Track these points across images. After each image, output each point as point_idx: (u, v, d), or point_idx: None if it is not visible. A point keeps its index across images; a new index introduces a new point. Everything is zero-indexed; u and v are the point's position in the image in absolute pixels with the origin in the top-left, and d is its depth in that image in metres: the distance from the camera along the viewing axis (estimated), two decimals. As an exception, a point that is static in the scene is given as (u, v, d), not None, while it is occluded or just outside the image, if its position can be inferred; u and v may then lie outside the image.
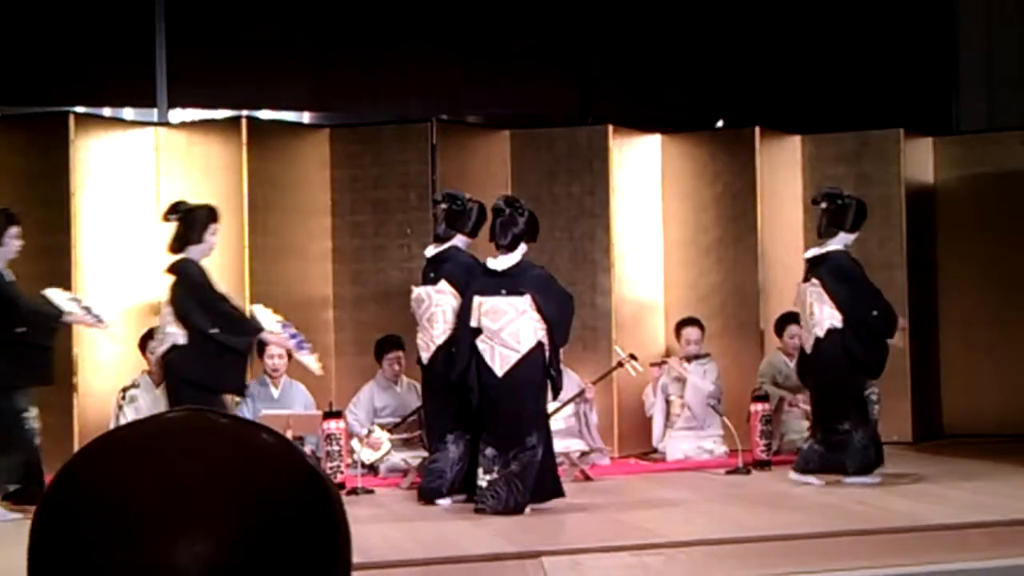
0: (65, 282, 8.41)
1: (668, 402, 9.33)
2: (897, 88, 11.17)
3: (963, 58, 11.41)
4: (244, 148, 9.03)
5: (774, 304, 9.54)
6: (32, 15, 9.71)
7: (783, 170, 9.98)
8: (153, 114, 9.94)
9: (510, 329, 7.08)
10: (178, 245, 7.33)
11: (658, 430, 9.30)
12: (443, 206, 7.63)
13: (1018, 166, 9.77)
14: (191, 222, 7.33)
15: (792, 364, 9.38)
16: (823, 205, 8.03)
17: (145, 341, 8.41)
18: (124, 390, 8.40)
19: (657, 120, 10.42)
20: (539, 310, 7.08)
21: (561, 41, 10.91)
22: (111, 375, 8.57)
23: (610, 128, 9.79)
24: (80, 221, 8.61)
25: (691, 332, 9.23)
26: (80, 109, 9.33)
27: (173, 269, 7.33)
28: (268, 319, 7.55)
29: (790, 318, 9.31)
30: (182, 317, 7.20)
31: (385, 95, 10.59)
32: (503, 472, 6.98)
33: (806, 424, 9.23)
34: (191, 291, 7.24)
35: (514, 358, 7.05)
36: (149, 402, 8.26)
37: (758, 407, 8.60)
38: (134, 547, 0.82)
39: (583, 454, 8.62)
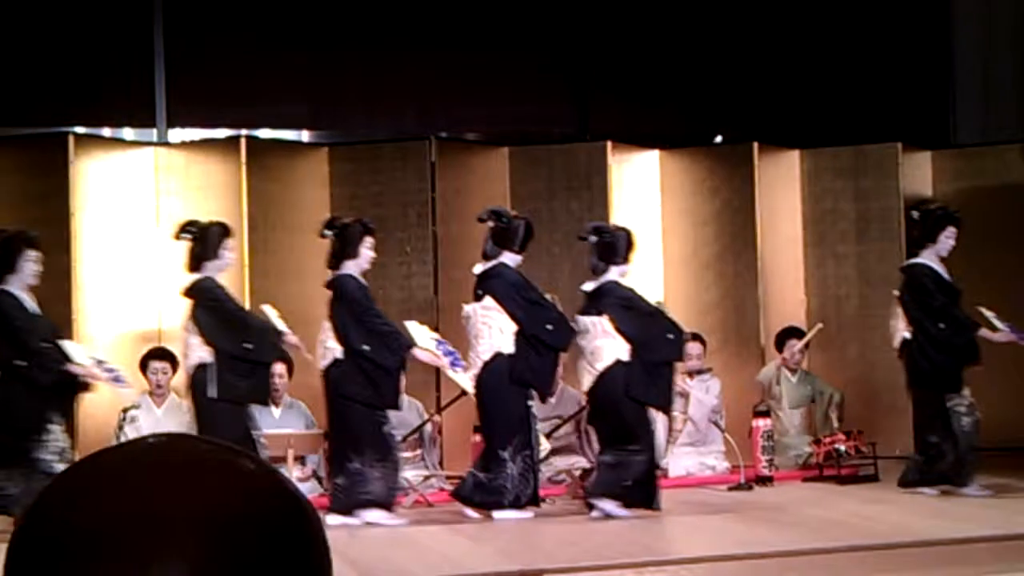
0: (65, 302, 8.43)
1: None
2: (895, 102, 11.19)
3: (960, 72, 11.44)
4: (243, 167, 9.05)
5: (774, 319, 9.54)
6: (32, 36, 9.73)
7: (782, 185, 9.98)
8: (152, 134, 9.96)
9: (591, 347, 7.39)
10: (195, 263, 7.34)
11: (660, 446, 9.28)
12: (489, 224, 7.63)
13: (1016, 179, 9.78)
14: (205, 239, 7.33)
15: (794, 379, 9.38)
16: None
17: (146, 362, 8.40)
18: (125, 411, 8.38)
19: (655, 136, 10.44)
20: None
21: (559, 58, 10.93)
22: (112, 396, 8.55)
23: (608, 144, 9.80)
24: (80, 242, 8.61)
25: (692, 347, 9.21)
26: (80, 129, 9.37)
27: (190, 291, 7.34)
28: (423, 335, 7.50)
29: (791, 332, 9.31)
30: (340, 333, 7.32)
31: (383, 113, 10.62)
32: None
33: (808, 439, 9.24)
34: (349, 306, 7.35)
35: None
36: (150, 423, 8.25)
37: (760, 423, 8.59)
38: (107, 573, 0.82)
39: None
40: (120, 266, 8.82)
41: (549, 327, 7.46)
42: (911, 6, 11.43)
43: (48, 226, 8.58)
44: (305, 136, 10.76)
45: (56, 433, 7.12)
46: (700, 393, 9.19)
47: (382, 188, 9.41)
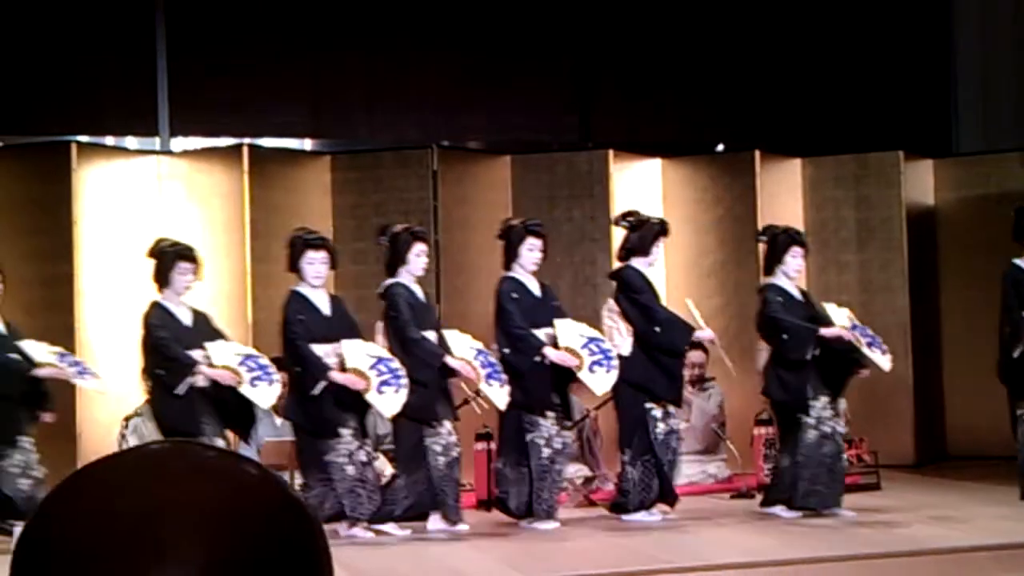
0: (67, 311, 8.44)
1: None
2: (896, 111, 11.21)
3: (961, 80, 11.45)
4: (246, 175, 9.06)
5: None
6: (35, 45, 9.75)
7: (784, 193, 9.98)
8: (155, 142, 9.97)
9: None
10: (626, 255, 7.63)
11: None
12: (622, 226, 7.76)
13: (1017, 187, 9.77)
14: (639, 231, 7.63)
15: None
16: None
17: None
18: (127, 419, 8.37)
19: (657, 144, 10.45)
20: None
21: (561, 66, 10.95)
22: (113, 403, 8.55)
23: (610, 153, 9.81)
24: (82, 250, 8.61)
25: (695, 356, 9.21)
26: (82, 138, 9.37)
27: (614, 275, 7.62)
28: (462, 345, 7.40)
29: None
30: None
31: (385, 122, 10.62)
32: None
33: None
34: (388, 319, 7.34)
35: None
36: (152, 430, 8.24)
37: (762, 431, 8.57)
38: (133, 546, 0.83)
39: (587, 479, 8.60)
40: (122, 275, 8.82)
41: (657, 329, 7.52)
42: (912, 15, 11.45)
43: (51, 235, 8.62)
44: (307, 145, 10.77)
45: (26, 446, 7.08)
46: (702, 401, 9.20)
47: (384, 196, 9.42)
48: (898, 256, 9.82)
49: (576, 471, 8.46)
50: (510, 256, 7.59)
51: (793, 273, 7.82)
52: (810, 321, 7.67)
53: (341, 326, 7.25)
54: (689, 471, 9.10)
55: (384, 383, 7.09)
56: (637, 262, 7.67)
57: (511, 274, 7.58)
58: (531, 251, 7.54)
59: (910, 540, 6.85)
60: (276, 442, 8.25)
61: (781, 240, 7.88)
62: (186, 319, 7.18)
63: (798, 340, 7.57)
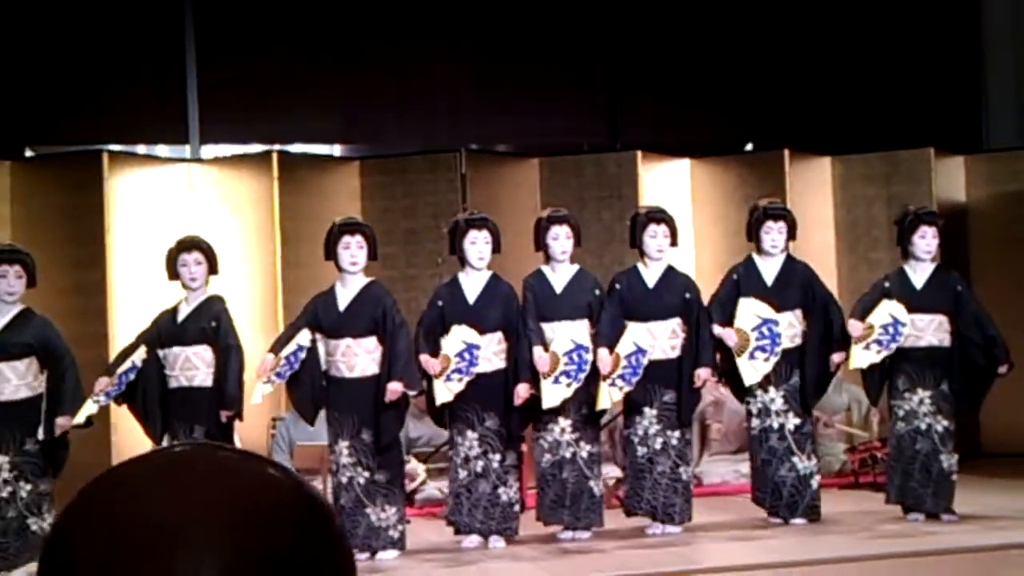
0: (100, 319, 8.52)
1: (704, 426, 9.31)
2: (926, 107, 11.15)
3: (991, 76, 11.39)
4: (275, 182, 9.11)
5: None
6: (64, 56, 9.83)
7: (813, 192, 9.96)
8: (186, 150, 10.03)
9: None
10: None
11: (694, 455, 9.27)
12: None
13: (1050, 183, 9.73)
14: None
15: (830, 387, 9.33)
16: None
17: None
18: (274, 419, 8.45)
19: (686, 145, 10.45)
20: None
21: (588, 69, 10.95)
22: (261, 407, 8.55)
23: (639, 154, 9.81)
24: (114, 258, 8.67)
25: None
26: (114, 147, 9.43)
27: None
28: (453, 339, 7.14)
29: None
30: None
31: (413, 126, 10.65)
32: None
33: (842, 447, 9.21)
34: None
35: None
36: (298, 433, 8.40)
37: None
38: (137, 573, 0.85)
39: (618, 480, 8.59)
40: (154, 282, 8.89)
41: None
42: (941, 10, 11.39)
43: (83, 243, 8.69)
44: (336, 150, 10.83)
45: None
46: (734, 402, 9.17)
47: (413, 201, 9.46)
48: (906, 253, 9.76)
49: (607, 472, 8.46)
50: (541, 250, 7.50)
51: (921, 255, 7.55)
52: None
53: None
54: (721, 470, 9.10)
55: (459, 370, 6.97)
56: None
57: (540, 267, 7.47)
58: (555, 240, 7.38)
59: (945, 538, 6.83)
60: (308, 446, 8.30)
61: (907, 222, 7.65)
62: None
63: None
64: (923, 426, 7.32)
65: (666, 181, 9.92)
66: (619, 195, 9.74)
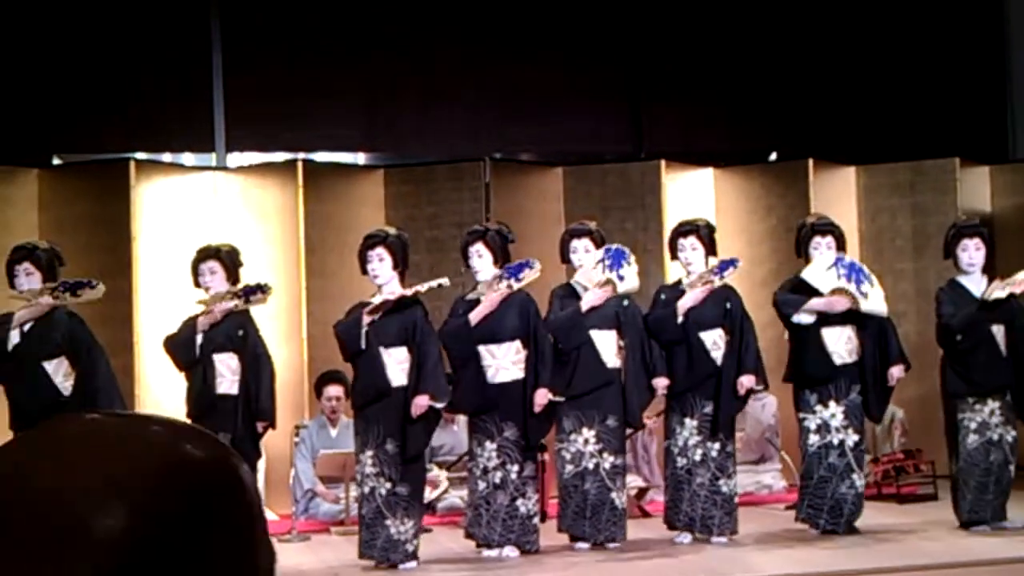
0: (126, 326, 8.59)
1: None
2: (951, 117, 11.14)
3: (1016, 86, 11.37)
4: (300, 190, 9.16)
5: (831, 336, 9.50)
6: (92, 66, 9.92)
7: (838, 202, 9.95)
8: (211, 159, 10.08)
9: None
10: None
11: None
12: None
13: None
14: None
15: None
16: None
17: (320, 387, 8.61)
18: (297, 428, 8.50)
19: (709, 154, 10.47)
20: None
21: (612, 77, 10.97)
22: (173, 414, 8.67)
23: (662, 163, 9.85)
24: (140, 265, 8.74)
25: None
26: (140, 155, 9.51)
27: None
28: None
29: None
30: None
31: (437, 135, 10.68)
32: None
33: (867, 457, 9.20)
34: None
35: None
36: (322, 440, 8.49)
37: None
38: (50, 520, 0.84)
39: (641, 491, 8.61)
40: (180, 289, 8.97)
41: None
42: (966, 20, 11.38)
43: (110, 251, 8.76)
44: (361, 159, 10.87)
45: None
46: (756, 412, 9.20)
47: (437, 209, 9.50)
48: (954, 264, 9.76)
49: (631, 482, 8.49)
50: (566, 263, 7.53)
51: (966, 267, 7.66)
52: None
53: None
54: (744, 481, 9.11)
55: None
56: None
57: (570, 281, 7.49)
58: (574, 253, 7.45)
59: (966, 551, 6.84)
60: (331, 454, 8.36)
61: (949, 234, 7.77)
62: None
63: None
64: (995, 437, 7.32)
65: (690, 190, 9.94)
66: (643, 204, 9.77)
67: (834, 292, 7.40)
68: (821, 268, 7.49)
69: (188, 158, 10.29)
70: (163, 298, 8.72)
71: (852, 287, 7.39)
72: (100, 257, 8.66)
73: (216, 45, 10.13)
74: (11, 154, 9.30)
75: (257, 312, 7.53)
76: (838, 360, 7.46)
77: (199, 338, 7.10)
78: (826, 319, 7.49)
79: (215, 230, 8.92)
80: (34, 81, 9.81)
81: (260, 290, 7.21)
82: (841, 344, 7.49)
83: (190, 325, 7.18)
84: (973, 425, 7.34)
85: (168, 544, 0.85)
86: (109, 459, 0.87)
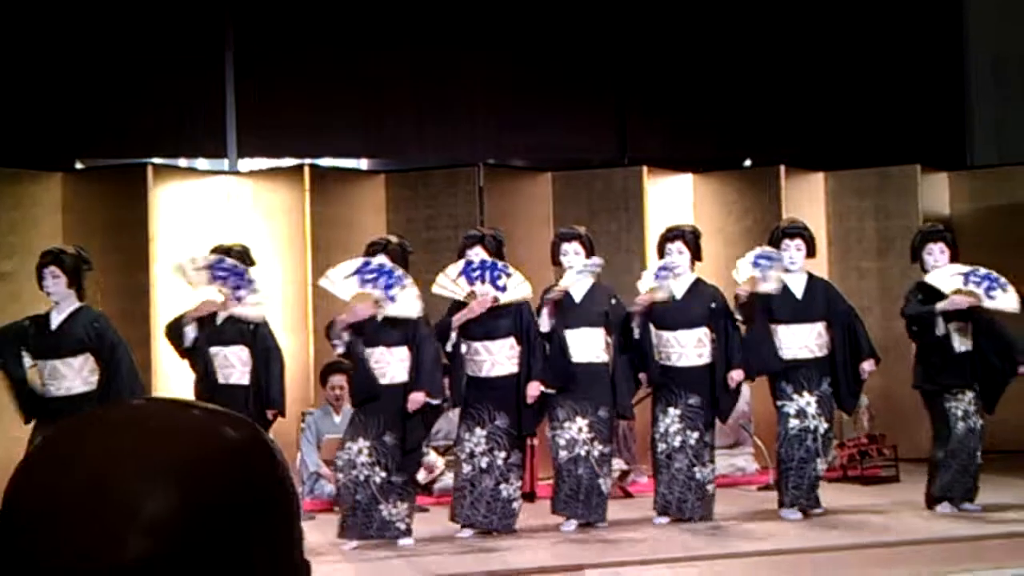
0: (144, 321, 8.53)
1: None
2: (913, 126, 11.16)
3: (974, 97, 11.38)
4: (307, 193, 9.14)
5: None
6: (112, 76, 9.90)
7: (808, 205, 9.94)
8: (224, 164, 10.08)
9: None
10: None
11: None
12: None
13: (1028, 198, 9.70)
14: None
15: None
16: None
17: (325, 376, 8.49)
18: (304, 413, 8.48)
19: (688, 161, 10.45)
20: None
21: (598, 89, 10.97)
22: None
23: (644, 169, 9.81)
24: (157, 264, 8.70)
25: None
26: (158, 160, 9.47)
27: None
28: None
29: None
30: None
31: (434, 142, 10.69)
32: None
33: (834, 442, 9.16)
34: None
35: None
36: (326, 425, 8.42)
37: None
38: (105, 500, 0.83)
39: (624, 473, 8.59)
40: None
41: None
42: (927, 37, 11.39)
43: (129, 249, 8.72)
44: (363, 164, 10.85)
45: None
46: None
47: (434, 212, 9.47)
48: (920, 267, 9.72)
49: (614, 465, 8.46)
50: (557, 264, 7.49)
51: (932, 269, 7.52)
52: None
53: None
54: (719, 464, 9.06)
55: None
56: None
57: (556, 282, 7.43)
58: (564, 256, 7.40)
59: (927, 529, 6.81)
60: (335, 439, 8.30)
61: (916, 239, 7.72)
62: None
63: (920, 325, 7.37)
64: (973, 424, 7.30)
65: (670, 195, 9.91)
66: (626, 207, 9.73)
67: (956, 292, 7.32)
68: (945, 273, 7.41)
69: (202, 163, 10.27)
70: (179, 295, 8.66)
71: (975, 288, 7.29)
72: (120, 256, 8.63)
73: (229, 58, 10.11)
74: (38, 159, 9.27)
75: (266, 307, 7.46)
76: (807, 354, 7.39)
77: (189, 329, 7.05)
78: (779, 320, 7.45)
79: (228, 230, 8.90)
80: (58, 91, 9.78)
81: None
82: (811, 339, 7.44)
83: (181, 317, 7.15)
84: (960, 412, 7.32)
85: (216, 520, 0.85)
86: (157, 443, 0.86)
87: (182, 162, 10.11)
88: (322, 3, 10.51)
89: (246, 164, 10.19)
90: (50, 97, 9.76)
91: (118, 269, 8.56)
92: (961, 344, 7.37)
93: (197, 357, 7.11)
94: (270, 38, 10.31)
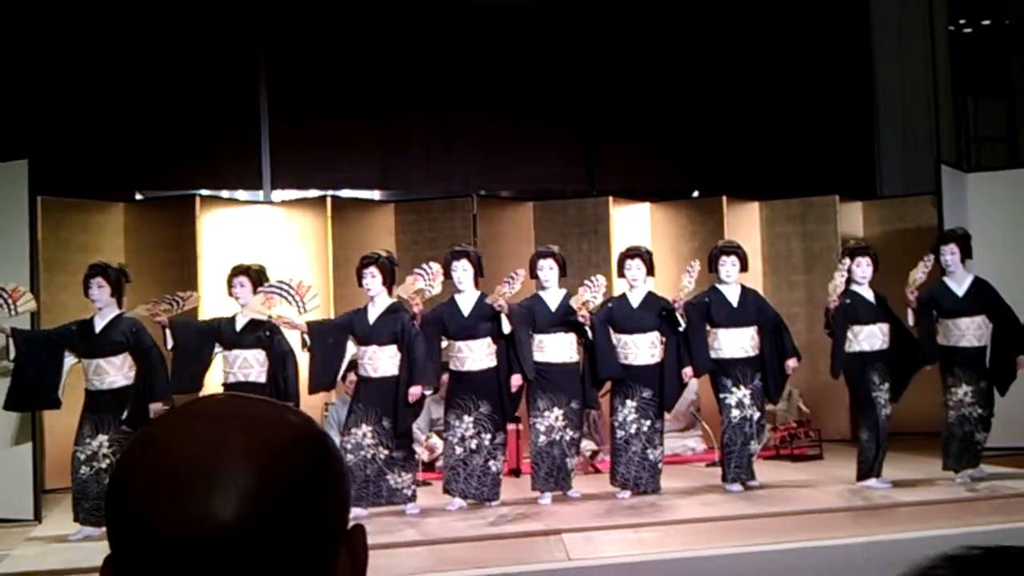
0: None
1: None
2: (833, 162, 11.25)
3: (883, 136, 11.48)
4: (329, 220, 9.19)
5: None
6: (167, 122, 9.94)
7: (746, 229, 10.03)
8: (260, 195, 10.11)
9: None
10: None
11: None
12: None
13: (929, 223, 9.82)
14: None
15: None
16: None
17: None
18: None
19: (647, 191, 10.52)
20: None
21: (572, 132, 11.04)
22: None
23: (610, 199, 9.90)
24: (203, 281, 8.74)
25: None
26: (204, 192, 9.51)
27: None
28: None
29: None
30: None
31: (436, 176, 10.73)
32: None
33: (768, 425, 9.27)
34: None
35: None
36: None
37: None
38: (203, 472, 0.83)
39: (593, 453, 8.67)
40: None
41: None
42: (843, 85, 11.52)
43: (180, 267, 8.73)
44: (376, 195, 10.90)
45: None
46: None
47: (436, 235, 9.52)
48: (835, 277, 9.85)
49: (585, 446, 8.54)
50: (535, 278, 7.45)
51: (859, 279, 7.53)
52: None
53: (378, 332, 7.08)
54: (672, 445, 9.16)
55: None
56: None
57: (537, 292, 7.41)
58: (541, 271, 7.37)
59: (848, 498, 6.84)
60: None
61: (843, 253, 7.67)
62: None
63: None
64: (888, 412, 7.26)
65: (632, 221, 9.99)
66: (595, 231, 9.81)
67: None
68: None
69: (241, 194, 10.30)
70: (222, 305, 8.71)
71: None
72: (172, 273, 8.64)
73: (264, 106, 10.16)
74: (102, 190, 9.29)
75: (293, 316, 7.48)
76: (741, 354, 7.48)
77: (165, 333, 7.00)
78: (717, 324, 7.52)
79: (262, 251, 8.93)
80: (120, 133, 9.81)
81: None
82: (746, 341, 7.54)
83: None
84: (882, 400, 7.29)
85: (296, 492, 0.85)
86: (248, 430, 0.86)
87: (224, 193, 10.13)
88: (340, 61, 10.58)
89: (278, 195, 10.21)
90: (113, 138, 9.78)
91: (172, 282, 8.59)
92: (881, 344, 7.44)
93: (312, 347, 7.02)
94: (299, 91, 10.34)
